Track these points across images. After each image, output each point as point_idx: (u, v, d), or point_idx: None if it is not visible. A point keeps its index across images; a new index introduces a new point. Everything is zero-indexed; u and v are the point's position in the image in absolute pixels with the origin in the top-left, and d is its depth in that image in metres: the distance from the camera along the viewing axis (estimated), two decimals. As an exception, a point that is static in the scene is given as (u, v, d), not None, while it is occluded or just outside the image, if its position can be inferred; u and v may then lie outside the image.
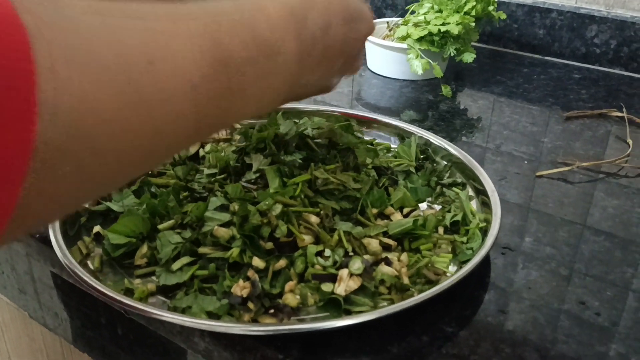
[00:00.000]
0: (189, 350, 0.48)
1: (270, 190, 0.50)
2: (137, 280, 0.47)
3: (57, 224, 0.50)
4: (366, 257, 0.48)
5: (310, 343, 0.42)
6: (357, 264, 0.46)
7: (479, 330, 0.44)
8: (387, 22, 0.95)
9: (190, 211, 0.50)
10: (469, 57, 0.86)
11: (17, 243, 0.57)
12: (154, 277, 0.48)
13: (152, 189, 0.56)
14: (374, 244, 0.48)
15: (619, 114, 0.79)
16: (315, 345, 0.42)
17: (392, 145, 0.65)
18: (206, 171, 0.57)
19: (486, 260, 0.51)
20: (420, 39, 0.84)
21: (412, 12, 0.90)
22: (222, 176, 0.56)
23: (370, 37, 0.90)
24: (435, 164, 0.62)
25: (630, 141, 0.72)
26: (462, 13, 0.84)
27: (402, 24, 0.89)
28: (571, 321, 0.45)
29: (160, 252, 0.48)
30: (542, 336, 0.44)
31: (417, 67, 0.85)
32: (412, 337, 0.43)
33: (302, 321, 0.44)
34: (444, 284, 0.43)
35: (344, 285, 0.44)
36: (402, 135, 0.66)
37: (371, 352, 0.42)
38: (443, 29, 0.83)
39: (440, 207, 0.56)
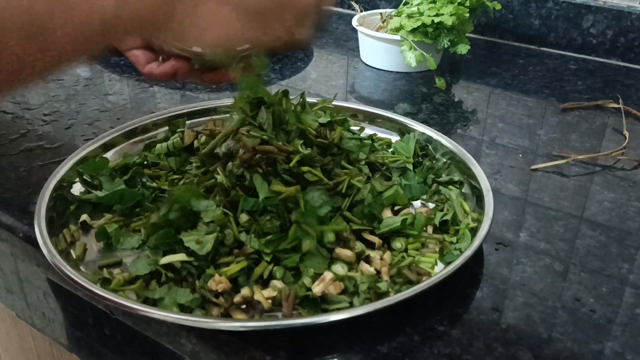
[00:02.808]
0: (177, 352, 0.47)
1: (260, 198, 0.49)
2: (117, 270, 0.47)
3: (42, 213, 0.50)
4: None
5: (298, 343, 0.41)
6: (340, 271, 0.45)
7: (472, 329, 0.43)
8: (381, 14, 0.94)
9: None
10: (463, 49, 0.85)
11: (2, 242, 0.56)
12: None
13: (144, 179, 0.56)
14: (348, 253, 0.47)
15: (616, 105, 0.78)
16: (304, 345, 0.41)
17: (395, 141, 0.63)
18: (195, 163, 0.57)
19: (479, 256, 0.50)
20: (413, 31, 0.83)
21: (406, 3, 0.89)
22: (201, 170, 0.55)
23: (363, 29, 0.89)
24: (434, 162, 0.60)
25: (626, 133, 0.71)
26: (456, 4, 0.83)
27: (395, 15, 0.88)
28: (566, 318, 0.44)
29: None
30: (536, 334, 0.43)
31: (410, 59, 0.83)
32: (403, 336, 0.42)
33: (276, 318, 0.43)
34: (427, 282, 0.42)
35: (323, 286, 0.43)
36: (403, 131, 0.65)
37: (361, 352, 0.41)
38: (437, 20, 0.82)
39: (434, 205, 0.55)
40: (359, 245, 0.48)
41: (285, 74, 0.89)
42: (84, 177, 0.57)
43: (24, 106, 0.76)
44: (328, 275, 0.44)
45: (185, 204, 0.47)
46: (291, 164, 0.51)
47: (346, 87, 0.85)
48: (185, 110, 0.68)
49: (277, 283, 0.45)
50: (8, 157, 0.64)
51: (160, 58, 0.55)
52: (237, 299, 0.43)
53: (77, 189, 0.56)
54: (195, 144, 0.60)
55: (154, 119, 0.66)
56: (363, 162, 0.57)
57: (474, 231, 0.49)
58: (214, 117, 0.67)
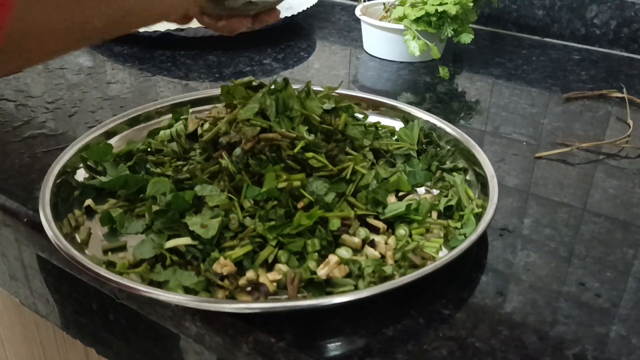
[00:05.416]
0: (181, 335, 0.47)
1: (263, 189, 0.49)
2: (121, 254, 0.47)
3: (47, 198, 0.50)
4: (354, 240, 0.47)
5: (303, 326, 0.41)
6: (345, 254, 0.45)
7: (477, 312, 0.43)
8: (384, 3, 0.94)
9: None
10: (466, 38, 0.85)
11: (6, 228, 0.56)
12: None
13: (148, 165, 0.56)
14: (355, 240, 0.47)
15: (619, 94, 0.78)
16: (309, 328, 0.41)
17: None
18: (199, 150, 0.56)
19: (484, 242, 0.50)
20: (417, 20, 0.83)
21: (409, -7, 0.88)
22: (204, 156, 0.55)
23: (366, 18, 0.88)
24: (438, 149, 0.60)
25: (630, 122, 0.71)
26: (459, -7, 0.83)
27: (398, 5, 0.87)
28: (571, 303, 0.44)
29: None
30: (541, 318, 0.43)
31: (414, 48, 0.83)
32: (408, 319, 0.42)
33: (281, 300, 0.43)
34: (431, 266, 0.42)
35: (327, 269, 0.43)
36: (407, 119, 0.65)
37: (366, 335, 0.41)
38: (440, 9, 0.81)
39: (438, 191, 0.55)
40: (364, 231, 0.48)
41: (288, 63, 0.89)
42: (88, 163, 0.57)
43: (26, 94, 0.76)
44: (333, 258, 0.44)
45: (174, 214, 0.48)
46: (295, 150, 0.51)
47: (349, 77, 0.84)
48: (188, 98, 0.68)
49: (282, 266, 0.45)
50: (12, 144, 0.64)
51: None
52: (242, 281, 0.43)
53: (80, 175, 0.56)
54: (199, 131, 0.60)
55: (157, 106, 0.66)
56: (367, 149, 0.57)
57: (478, 217, 0.49)
58: (217, 104, 0.66)
